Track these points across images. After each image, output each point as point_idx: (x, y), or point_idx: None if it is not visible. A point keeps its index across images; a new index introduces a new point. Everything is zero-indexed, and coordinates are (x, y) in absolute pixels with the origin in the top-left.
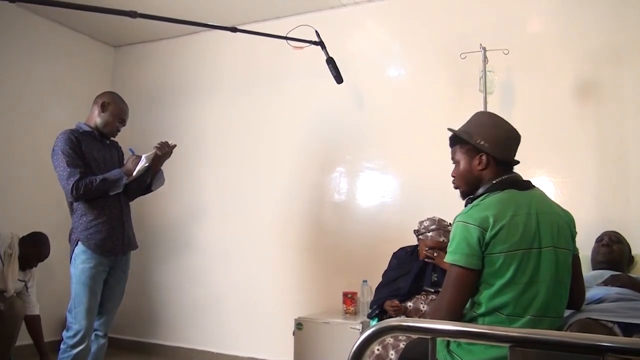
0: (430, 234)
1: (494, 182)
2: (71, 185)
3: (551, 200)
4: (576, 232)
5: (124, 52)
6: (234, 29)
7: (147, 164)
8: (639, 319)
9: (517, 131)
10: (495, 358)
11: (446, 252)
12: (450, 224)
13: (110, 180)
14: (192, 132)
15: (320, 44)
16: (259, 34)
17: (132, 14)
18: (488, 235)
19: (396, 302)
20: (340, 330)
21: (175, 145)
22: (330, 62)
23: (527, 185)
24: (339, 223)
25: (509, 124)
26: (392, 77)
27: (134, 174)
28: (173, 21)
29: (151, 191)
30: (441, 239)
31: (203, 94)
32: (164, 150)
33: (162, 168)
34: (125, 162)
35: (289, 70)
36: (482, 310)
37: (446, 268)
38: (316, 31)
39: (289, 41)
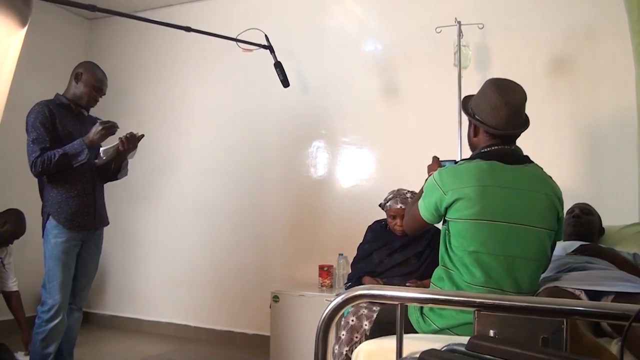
0: (388, 203)
1: (481, 151)
2: (31, 162)
3: (543, 179)
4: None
5: (99, 25)
6: (187, 29)
7: (104, 158)
8: (605, 286)
9: (511, 102)
10: (467, 322)
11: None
12: (408, 191)
13: (71, 154)
14: (168, 106)
15: (269, 47)
16: (210, 34)
17: (92, 8)
18: (447, 199)
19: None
20: (315, 302)
21: (142, 136)
22: (278, 66)
23: (518, 160)
24: (316, 197)
25: (504, 95)
26: (368, 51)
27: (97, 161)
28: (131, 17)
29: (117, 179)
30: (398, 206)
31: (180, 66)
32: (126, 147)
33: (128, 158)
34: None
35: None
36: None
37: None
38: (265, 35)
39: (239, 44)
